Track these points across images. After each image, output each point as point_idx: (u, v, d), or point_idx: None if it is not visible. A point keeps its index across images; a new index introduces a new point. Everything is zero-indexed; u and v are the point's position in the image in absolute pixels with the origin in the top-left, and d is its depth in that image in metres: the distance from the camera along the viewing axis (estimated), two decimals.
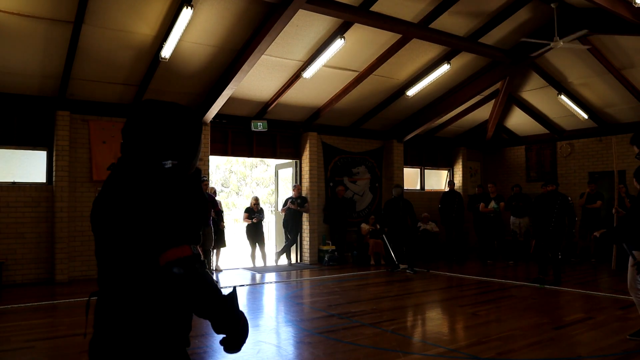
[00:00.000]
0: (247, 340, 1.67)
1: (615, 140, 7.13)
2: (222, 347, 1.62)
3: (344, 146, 12.06)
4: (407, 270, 9.77)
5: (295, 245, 11.37)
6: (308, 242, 11.24)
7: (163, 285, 1.49)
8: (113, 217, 1.55)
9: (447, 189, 12.76)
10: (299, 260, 11.46)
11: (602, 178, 11.80)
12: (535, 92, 11.86)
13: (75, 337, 5.20)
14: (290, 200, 11.01)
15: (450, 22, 8.51)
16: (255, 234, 10.53)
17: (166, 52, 7.55)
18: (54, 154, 8.56)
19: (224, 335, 1.59)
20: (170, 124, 1.65)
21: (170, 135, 1.64)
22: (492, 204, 11.17)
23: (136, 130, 1.64)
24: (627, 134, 11.73)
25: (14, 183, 8.43)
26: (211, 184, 9.99)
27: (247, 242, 10.70)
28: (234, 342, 1.60)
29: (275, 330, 5.78)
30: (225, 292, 1.59)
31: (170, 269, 1.45)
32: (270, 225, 11.44)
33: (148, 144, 1.62)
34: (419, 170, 13.81)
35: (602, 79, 10.43)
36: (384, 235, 10.65)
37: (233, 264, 10.94)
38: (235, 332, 1.58)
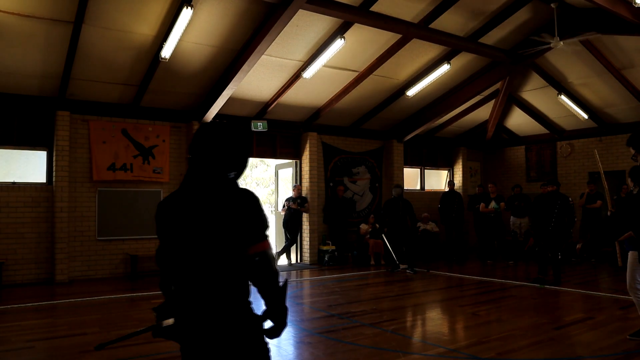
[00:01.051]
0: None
1: (596, 150, 7.14)
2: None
3: (344, 146, 12.06)
4: (407, 270, 9.77)
5: (295, 245, 11.37)
6: (308, 242, 11.24)
7: (246, 270, 1.98)
8: (216, 221, 1.96)
9: (447, 189, 12.76)
10: (299, 260, 11.46)
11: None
12: (535, 92, 11.86)
13: (75, 337, 5.20)
14: (290, 200, 11.01)
15: (450, 22, 8.51)
16: None
17: (166, 52, 7.55)
18: (54, 154, 8.56)
19: (271, 325, 2.01)
20: (232, 143, 2.06)
21: (233, 151, 2.05)
22: (493, 204, 11.17)
23: (207, 148, 2.03)
24: (627, 134, 11.74)
25: (14, 183, 8.43)
26: None
27: None
28: (277, 330, 2.03)
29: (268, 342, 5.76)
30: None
31: (254, 258, 1.95)
32: (270, 226, 11.44)
33: (218, 159, 2.02)
34: (419, 170, 13.81)
35: (602, 79, 10.43)
36: (383, 235, 10.64)
37: None
38: (281, 320, 2.03)
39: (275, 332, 2.03)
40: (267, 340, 2.06)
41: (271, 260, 2.01)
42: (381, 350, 4.71)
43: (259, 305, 2.03)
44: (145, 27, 7.35)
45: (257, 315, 2.03)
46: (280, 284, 2.03)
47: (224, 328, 1.95)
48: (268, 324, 2.03)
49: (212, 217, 1.97)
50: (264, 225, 2.02)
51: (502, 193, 12.39)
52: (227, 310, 1.96)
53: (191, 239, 1.98)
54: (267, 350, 2.06)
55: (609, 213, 5.47)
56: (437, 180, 14.39)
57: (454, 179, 14.26)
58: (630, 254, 4.89)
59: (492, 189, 11.46)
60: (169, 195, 2.12)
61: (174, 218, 2.04)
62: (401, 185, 10.82)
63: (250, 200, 2.01)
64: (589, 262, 10.89)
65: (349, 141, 12.15)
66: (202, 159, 2.02)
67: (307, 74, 9.01)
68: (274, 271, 2.00)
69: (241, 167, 2.09)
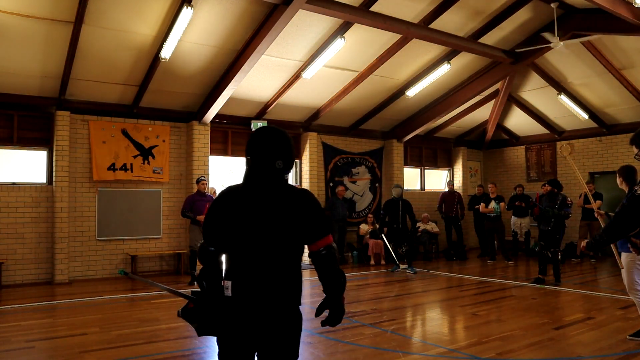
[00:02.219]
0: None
1: (569, 150, 7.12)
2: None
3: (344, 146, 12.06)
4: (407, 270, 9.77)
5: None
6: None
7: (313, 261, 2.26)
8: (280, 216, 2.19)
9: (446, 189, 12.77)
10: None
11: (602, 178, 11.80)
12: (535, 92, 11.86)
13: (75, 337, 5.20)
14: None
15: (450, 22, 8.51)
16: None
17: (166, 52, 7.55)
18: (54, 154, 8.57)
19: (326, 316, 2.26)
20: (287, 145, 2.29)
21: (288, 153, 2.28)
22: (493, 204, 11.17)
23: (269, 150, 2.24)
24: (627, 134, 11.75)
25: (14, 183, 8.43)
26: (211, 185, 9.98)
27: None
28: (335, 318, 2.26)
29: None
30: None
31: (321, 251, 2.22)
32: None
33: (278, 161, 2.24)
34: (419, 170, 13.81)
35: (602, 79, 10.43)
36: (383, 235, 10.63)
37: None
38: (340, 310, 2.26)
39: (333, 321, 2.27)
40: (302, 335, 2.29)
41: (335, 252, 2.25)
42: (381, 350, 4.71)
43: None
44: (145, 27, 7.35)
45: (300, 315, 2.27)
46: (342, 276, 2.27)
47: (271, 316, 2.15)
48: (326, 313, 2.30)
49: (277, 213, 2.17)
50: (327, 221, 2.26)
51: (503, 193, 12.39)
52: (279, 302, 2.17)
53: (255, 231, 2.17)
54: (297, 351, 2.26)
55: (596, 214, 5.44)
56: (437, 180, 14.39)
57: (454, 179, 14.26)
58: (625, 255, 4.88)
59: (492, 189, 11.45)
60: (228, 190, 2.32)
61: (239, 211, 2.21)
62: (401, 186, 10.79)
63: (312, 199, 2.25)
64: (589, 262, 10.89)
65: (349, 141, 12.16)
66: (265, 161, 2.21)
67: (307, 74, 9.01)
68: (337, 263, 2.25)
69: (291, 169, 2.32)
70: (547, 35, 8.26)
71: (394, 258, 10.17)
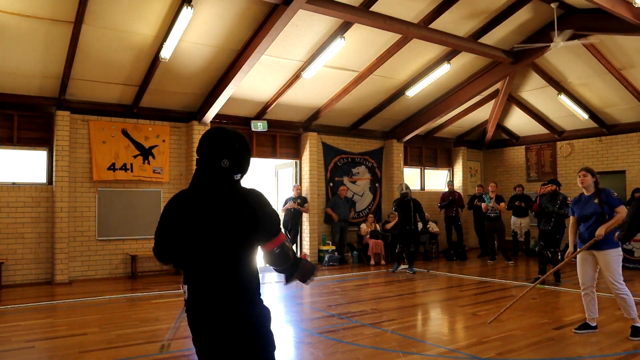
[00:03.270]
0: None
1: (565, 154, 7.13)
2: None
3: (344, 146, 12.06)
4: (407, 270, 9.76)
5: (295, 245, 11.37)
6: (308, 242, 11.23)
7: (266, 259, 2.29)
8: (225, 218, 2.15)
9: (446, 189, 12.77)
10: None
11: (602, 178, 11.77)
12: (535, 92, 11.86)
13: (75, 337, 5.20)
14: (290, 200, 11.01)
15: (450, 22, 8.51)
16: None
17: (166, 52, 7.55)
18: (54, 154, 8.57)
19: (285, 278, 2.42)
20: (237, 146, 2.23)
21: (238, 154, 2.23)
22: (485, 201, 11.15)
23: (214, 151, 2.20)
24: (627, 133, 11.76)
25: (14, 183, 8.43)
26: None
27: None
28: (306, 275, 2.42)
29: (275, 331, 5.76)
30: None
31: (274, 251, 2.24)
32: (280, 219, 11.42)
33: (225, 161, 2.19)
34: (419, 170, 13.81)
35: (602, 79, 10.43)
36: (390, 235, 10.54)
37: None
38: (305, 270, 2.41)
39: (304, 278, 2.43)
40: (274, 333, 2.28)
41: (288, 250, 2.28)
42: (381, 350, 4.71)
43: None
44: (145, 27, 7.35)
45: (266, 307, 2.25)
46: (295, 260, 2.38)
47: (228, 319, 2.12)
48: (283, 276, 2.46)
49: (222, 215, 2.13)
50: (276, 221, 2.23)
51: (503, 193, 12.38)
52: (230, 306, 2.13)
53: (201, 235, 2.15)
54: (274, 340, 2.24)
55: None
56: (437, 180, 14.39)
57: (454, 179, 14.27)
58: (612, 251, 4.92)
59: (492, 188, 11.47)
60: (180, 193, 2.29)
61: (185, 214, 2.19)
62: (408, 185, 10.14)
63: (260, 200, 2.19)
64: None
65: (349, 141, 12.15)
66: (210, 161, 2.18)
67: (307, 74, 9.01)
68: (291, 258, 2.32)
69: (245, 169, 2.26)
70: (554, 34, 8.22)
71: (398, 258, 10.02)
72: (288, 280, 2.43)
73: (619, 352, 4.56)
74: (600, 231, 4.92)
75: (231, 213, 2.13)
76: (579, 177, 5.19)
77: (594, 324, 5.21)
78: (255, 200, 2.18)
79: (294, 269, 2.36)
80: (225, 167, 2.17)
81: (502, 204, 11.14)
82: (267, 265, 2.34)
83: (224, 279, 2.14)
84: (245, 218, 2.13)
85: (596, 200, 5.05)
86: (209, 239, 2.14)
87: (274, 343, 2.25)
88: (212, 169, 2.17)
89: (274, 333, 2.27)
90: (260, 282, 2.31)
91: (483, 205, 11.30)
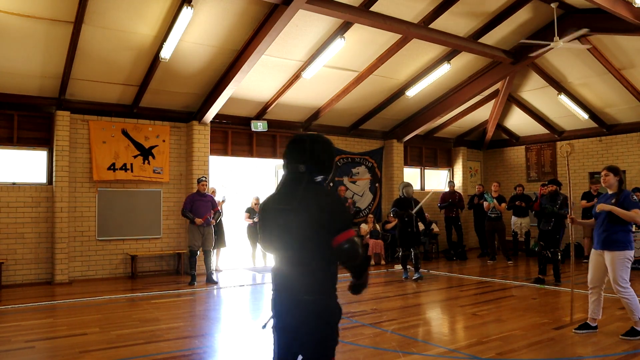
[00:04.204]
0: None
1: (568, 150, 7.06)
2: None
3: (344, 146, 12.06)
4: (415, 275, 9.05)
5: None
6: None
7: (337, 255, 2.34)
8: (306, 216, 2.32)
9: (447, 189, 12.77)
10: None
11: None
12: (535, 92, 11.86)
13: (75, 337, 5.20)
14: None
15: (450, 22, 8.51)
16: (255, 234, 10.52)
17: (166, 52, 7.55)
18: (54, 154, 8.57)
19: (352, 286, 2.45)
20: (320, 152, 2.45)
21: (320, 160, 2.44)
22: (487, 199, 11.16)
23: (299, 157, 2.43)
24: (627, 134, 11.76)
25: (14, 183, 8.43)
26: (211, 185, 9.99)
27: (248, 242, 10.70)
28: (360, 287, 2.44)
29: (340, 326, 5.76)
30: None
31: (344, 245, 2.29)
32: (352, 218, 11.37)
33: (308, 166, 2.42)
34: (419, 170, 13.81)
35: (602, 79, 10.43)
36: (391, 235, 10.40)
37: (233, 264, 10.93)
38: (364, 281, 2.44)
39: (357, 290, 2.46)
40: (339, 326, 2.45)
41: (358, 247, 2.34)
42: (381, 350, 4.71)
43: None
44: (145, 27, 7.35)
45: (337, 304, 2.40)
46: (364, 258, 2.43)
47: (301, 308, 2.33)
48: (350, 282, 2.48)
49: (299, 214, 2.32)
50: (347, 217, 2.37)
51: (503, 193, 12.37)
52: (311, 292, 2.33)
53: (282, 231, 2.39)
54: (337, 337, 2.41)
55: (569, 220, 5.53)
56: (437, 180, 14.39)
57: (454, 179, 14.27)
58: (617, 253, 4.90)
59: (495, 187, 11.48)
60: (271, 195, 2.56)
61: (271, 213, 2.45)
62: (411, 184, 9.46)
63: (333, 198, 2.39)
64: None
65: (349, 141, 12.15)
66: (291, 167, 2.43)
67: (307, 74, 9.01)
68: (360, 254, 2.35)
69: (326, 171, 2.46)
70: (557, 35, 8.22)
71: (404, 264, 9.29)
72: (355, 288, 2.46)
73: (619, 352, 4.56)
74: (602, 206, 4.89)
75: (307, 211, 2.31)
76: (602, 176, 5.13)
77: (594, 324, 5.20)
78: (329, 199, 2.35)
79: (362, 271, 2.41)
80: (303, 172, 2.38)
81: (503, 205, 11.14)
82: (340, 263, 2.40)
83: (301, 272, 2.34)
84: (319, 215, 2.30)
85: (613, 200, 4.95)
86: (288, 235, 2.37)
87: (336, 338, 2.40)
88: (292, 173, 2.42)
89: (339, 329, 2.43)
90: (337, 279, 2.44)
91: (485, 203, 11.31)
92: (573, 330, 5.22)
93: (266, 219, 2.49)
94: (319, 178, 2.43)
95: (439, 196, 12.72)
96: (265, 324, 2.58)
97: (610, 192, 5.09)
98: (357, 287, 2.46)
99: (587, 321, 5.22)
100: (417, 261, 9.03)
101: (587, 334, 5.14)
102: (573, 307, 5.75)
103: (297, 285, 2.35)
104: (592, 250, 5.16)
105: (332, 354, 2.39)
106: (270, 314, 2.49)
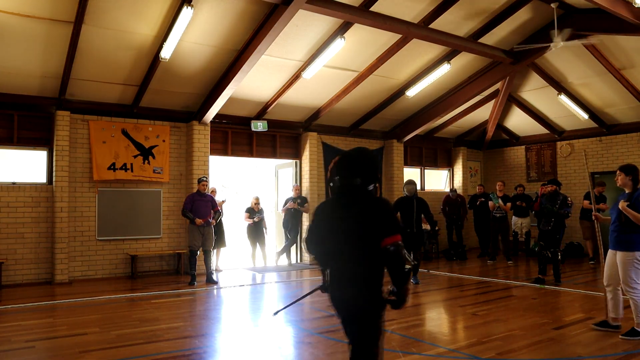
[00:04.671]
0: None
1: (586, 151, 7.02)
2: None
3: (344, 146, 12.05)
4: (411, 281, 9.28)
5: (295, 245, 11.37)
6: None
7: (382, 257, 2.61)
8: (360, 220, 2.67)
9: (449, 190, 12.74)
10: (299, 261, 11.46)
11: (602, 178, 11.77)
12: (535, 92, 11.86)
13: (75, 337, 5.20)
14: (290, 200, 11.01)
15: (450, 22, 8.51)
16: (255, 234, 10.53)
17: (166, 52, 7.55)
18: (54, 154, 8.57)
19: (394, 299, 2.62)
20: (370, 165, 2.80)
21: (370, 171, 2.78)
22: (492, 200, 11.17)
23: (352, 170, 2.76)
24: (627, 133, 11.76)
25: (14, 183, 8.43)
26: (211, 185, 9.99)
27: (248, 242, 10.71)
28: (399, 303, 2.61)
29: (275, 330, 5.77)
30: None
31: (389, 247, 2.56)
32: (270, 225, 11.44)
33: (360, 178, 2.74)
34: (419, 170, 13.81)
35: (602, 79, 10.43)
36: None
37: (233, 264, 10.93)
38: (402, 297, 2.60)
39: (397, 305, 2.63)
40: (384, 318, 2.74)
41: (401, 249, 2.60)
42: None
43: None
44: (145, 27, 7.35)
45: (380, 299, 2.65)
46: (406, 270, 2.62)
47: (353, 302, 2.67)
48: (393, 298, 2.65)
49: (357, 221, 2.67)
50: (395, 223, 2.65)
51: (504, 193, 12.38)
52: (359, 288, 2.65)
53: (341, 237, 2.71)
54: (381, 326, 2.71)
55: (593, 217, 5.54)
56: (437, 180, 14.39)
57: (454, 178, 14.27)
58: (623, 254, 4.90)
59: (500, 187, 11.47)
60: (325, 201, 2.96)
61: (329, 218, 2.81)
62: (414, 182, 8.89)
63: (383, 206, 2.69)
64: (588, 263, 10.87)
65: (349, 141, 12.15)
66: (347, 179, 2.74)
67: (307, 74, 9.01)
68: (403, 258, 2.59)
69: (375, 181, 2.79)
70: (555, 33, 8.21)
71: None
72: (395, 303, 2.63)
73: (619, 352, 4.56)
74: (621, 204, 4.90)
75: (362, 216, 2.66)
76: (616, 176, 5.14)
77: (614, 324, 5.18)
78: (380, 206, 2.68)
79: (402, 276, 2.59)
80: (358, 184, 2.71)
81: (508, 204, 11.14)
82: (385, 264, 2.63)
83: (354, 269, 2.66)
84: (371, 220, 2.63)
85: (627, 203, 4.92)
86: (344, 237, 2.70)
87: (381, 328, 2.72)
88: (348, 185, 2.73)
89: (384, 321, 2.73)
90: (382, 278, 2.70)
91: (490, 203, 11.32)
92: (592, 325, 5.25)
93: (324, 225, 2.84)
94: (371, 187, 2.75)
95: (438, 196, 12.71)
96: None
97: (627, 191, 5.07)
98: (397, 303, 2.63)
99: (606, 319, 5.21)
100: (416, 268, 8.61)
101: (605, 332, 5.13)
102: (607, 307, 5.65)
103: (351, 281, 2.68)
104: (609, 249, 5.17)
105: (376, 344, 2.67)
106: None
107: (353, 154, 2.83)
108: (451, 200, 12.32)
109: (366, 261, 2.65)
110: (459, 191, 13.76)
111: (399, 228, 2.64)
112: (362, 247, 2.66)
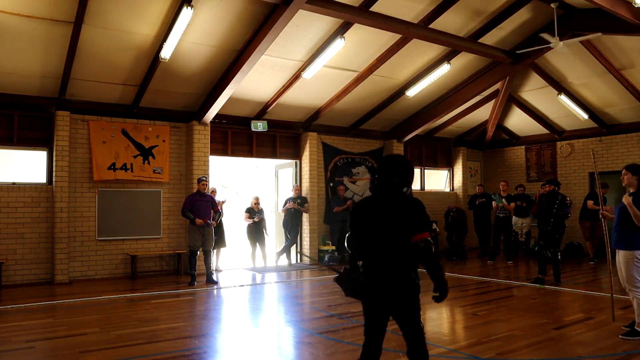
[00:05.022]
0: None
1: (593, 151, 7.01)
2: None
3: (343, 146, 12.06)
4: None
5: (295, 245, 11.37)
6: (308, 243, 11.23)
7: (413, 252, 3.01)
8: (396, 218, 3.06)
9: (451, 212, 12.54)
10: (299, 261, 11.46)
11: (602, 178, 11.76)
12: (535, 92, 11.86)
13: (75, 337, 5.20)
14: (290, 200, 11.02)
15: (450, 22, 8.51)
16: (255, 234, 10.52)
17: (166, 52, 7.55)
18: (54, 154, 8.56)
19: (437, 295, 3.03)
20: (404, 169, 3.15)
21: (405, 175, 3.14)
22: (496, 200, 11.17)
23: (390, 174, 3.13)
24: (627, 134, 11.76)
25: (14, 183, 8.43)
26: (211, 185, 9.99)
27: (248, 242, 10.70)
28: (441, 297, 3.00)
29: (275, 330, 5.78)
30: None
31: (419, 243, 2.95)
32: (270, 225, 11.44)
33: (397, 180, 3.12)
34: (419, 170, 13.81)
35: (602, 79, 10.43)
36: None
37: (233, 264, 10.94)
38: (443, 290, 3.00)
39: (439, 299, 3.00)
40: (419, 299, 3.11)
41: (431, 245, 2.96)
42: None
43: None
44: (145, 27, 7.35)
45: (416, 283, 3.04)
46: (439, 264, 3.00)
47: (395, 286, 3.04)
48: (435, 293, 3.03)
49: (394, 216, 3.06)
50: (426, 221, 3.03)
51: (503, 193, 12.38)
52: (398, 274, 3.04)
53: (379, 229, 3.09)
54: (419, 307, 3.11)
55: (600, 215, 5.50)
56: (437, 180, 14.39)
57: (454, 178, 14.28)
58: (624, 253, 4.91)
59: (503, 187, 11.47)
60: (362, 200, 3.27)
61: (370, 213, 3.15)
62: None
63: (417, 206, 3.05)
64: (587, 263, 10.86)
65: (348, 141, 12.15)
66: (387, 179, 3.12)
67: (307, 74, 9.01)
68: (433, 253, 2.97)
69: (410, 183, 3.14)
70: (546, 35, 8.25)
71: None
72: (439, 296, 3.00)
73: (619, 352, 4.56)
74: (626, 199, 4.87)
75: (398, 213, 3.06)
76: (622, 175, 5.12)
77: None
78: (414, 206, 3.05)
79: (435, 267, 2.96)
80: (396, 184, 3.09)
81: (512, 204, 11.13)
82: (416, 257, 3.01)
83: (394, 257, 3.05)
84: (406, 216, 3.03)
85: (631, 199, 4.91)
86: (384, 230, 3.08)
87: (418, 304, 3.10)
88: (387, 184, 3.12)
89: (419, 303, 3.10)
90: (416, 267, 3.07)
91: (493, 203, 11.32)
92: (620, 336, 4.94)
93: (363, 220, 3.19)
94: (405, 189, 3.13)
95: (439, 196, 12.67)
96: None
97: (631, 190, 5.06)
98: (439, 297, 2.98)
99: (636, 326, 4.94)
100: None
101: (626, 336, 4.94)
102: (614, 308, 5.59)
103: (393, 266, 3.05)
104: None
105: (418, 319, 3.09)
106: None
107: (393, 158, 3.24)
108: (453, 217, 12.19)
109: (400, 253, 3.04)
110: (459, 191, 13.77)
111: (429, 226, 3.00)
112: (396, 241, 3.05)
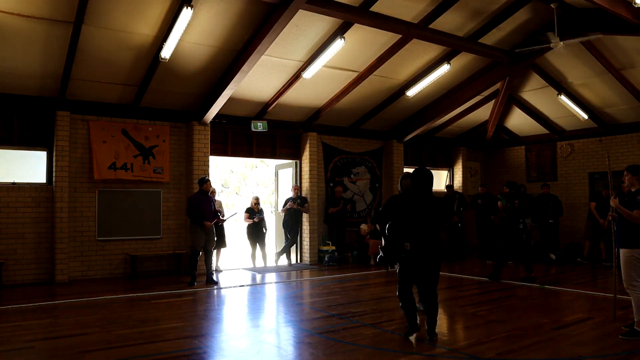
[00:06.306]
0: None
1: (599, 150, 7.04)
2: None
3: (343, 146, 12.06)
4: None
5: (295, 245, 11.37)
6: (308, 243, 11.23)
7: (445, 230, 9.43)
8: (431, 210, 5.15)
9: (446, 191, 12.71)
10: (299, 261, 11.46)
11: (602, 178, 11.77)
12: (535, 92, 11.86)
13: (75, 337, 5.20)
14: (290, 200, 11.01)
15: (450, 22, 8.51)
16: (255, 234, 10.52)
17: (166, 52, 7.55)
18: (54, 154, 8.56)
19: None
20: (431, 177, 5.25)
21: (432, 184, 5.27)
22: (501, 201, 11.16)
23: (424, 181, 5.17)
24: (628, 134, 11.75)
25: (14, 183, 8.43)
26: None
27: (248, 242, 10.70)
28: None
29: (275, 330, 5.78)
30: None
31: (446, 227, 9.15)
32: (270, 226, 11.44)
33: (428, 184, 5.22)
34: None
35: (602, 79, 10.43)
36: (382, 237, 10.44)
37: (233, 264, 10.93)
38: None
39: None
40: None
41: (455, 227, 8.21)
42: (381, 350, 4.71)
43: None
44: (145, 27, 7.35)
45: (443, 249, 5.60)
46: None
47: (433, 248, 5.03)
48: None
49: (429, 208, 5.06)
50: (451, 213, 4.86)
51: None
52: (435, 242, 5.05)
53: (420, 217, 5.02)
54: (441, 264, 5.26)
55: (609, 217, 5.46)
56: (437, 180, 14.38)
57: (454, 179, 14.27)
58: (624, 251, 4.92)
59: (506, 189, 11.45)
60: (398, 195, 5.31)
61: (407, 207, 5.12)
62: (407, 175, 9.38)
63: (445, 201, 4.40)
64: (587, 263, 10.85)
65: (349, 141, 12.15)
66: (423, 185, 5.12)
67: (307, 74, 9.01)
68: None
69: (431, 188, 5.19)
70: (550, 35, 8.23)
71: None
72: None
73: (619, 352, 4.56)
74: (613, 201, 5.01)
75: (433, 207, 5.07)
76: (624, 175, 5.13)
77: None
78: (443, 202, 4.31)
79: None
80: (429, 187, 5.05)
81: (516, 202, 11.09)
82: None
83: (432, 238, 5.02)
84: (438, 210, 5.15)
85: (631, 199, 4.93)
86: (424, 220, 5.02)
87: (440, 267, 5.20)
88: (423, 188, 5.08)
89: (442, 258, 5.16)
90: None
91: (499, 204, 11.30)
92: (620, 336, 4.94)
93: (405, 213, 5.10)
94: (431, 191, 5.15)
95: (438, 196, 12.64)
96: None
97: (632, 190, 5.07)
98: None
99: (635, 327, 4.92)
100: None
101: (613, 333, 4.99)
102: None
103: (430, 243, 5.02)
104: None
105: (438, 273, 5.13)
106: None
107: (427, 170, 5.18)
108: (448, 196, 12.23)
109: (436, 233, 5.03)
110: (459, 191, 13.73)
111: (452, 216, 4.43)
112: (434, 225, 5.05)
